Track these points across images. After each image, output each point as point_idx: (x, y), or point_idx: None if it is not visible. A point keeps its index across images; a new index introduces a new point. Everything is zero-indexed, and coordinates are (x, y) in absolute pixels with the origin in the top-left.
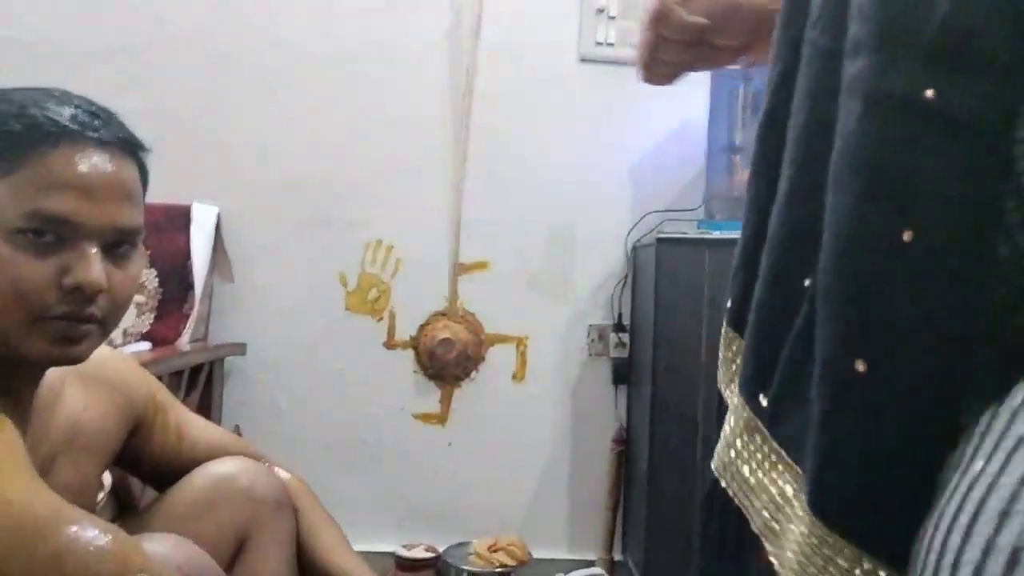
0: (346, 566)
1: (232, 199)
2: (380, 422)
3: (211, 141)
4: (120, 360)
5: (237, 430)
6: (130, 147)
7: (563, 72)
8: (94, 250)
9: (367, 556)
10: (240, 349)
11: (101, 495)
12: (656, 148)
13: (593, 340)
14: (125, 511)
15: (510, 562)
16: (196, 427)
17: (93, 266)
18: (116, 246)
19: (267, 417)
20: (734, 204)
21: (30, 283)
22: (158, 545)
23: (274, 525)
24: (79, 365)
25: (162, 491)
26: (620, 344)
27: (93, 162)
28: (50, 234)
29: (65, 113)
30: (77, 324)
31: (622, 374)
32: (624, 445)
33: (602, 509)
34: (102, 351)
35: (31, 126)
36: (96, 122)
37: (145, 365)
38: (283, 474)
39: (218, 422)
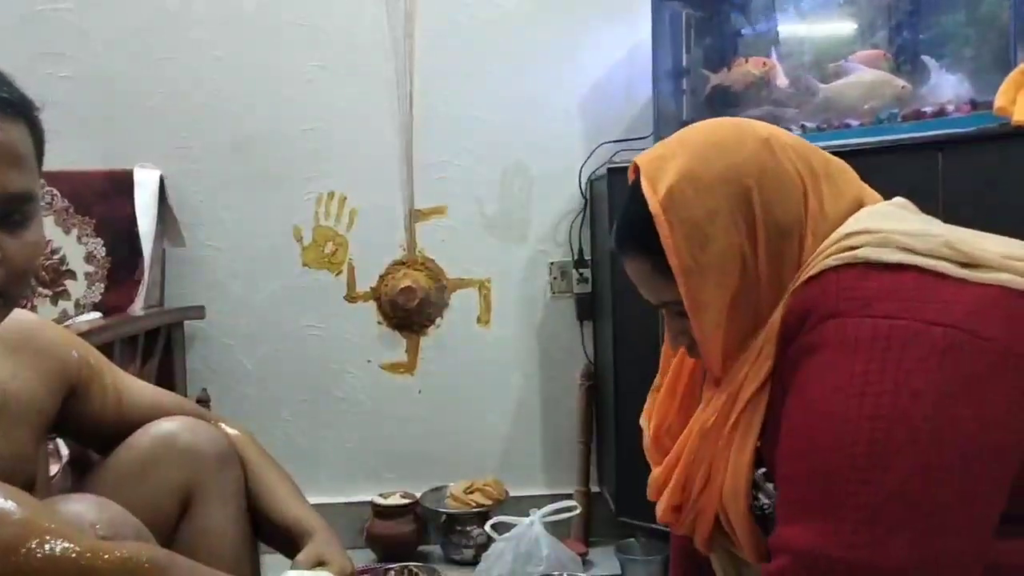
0: (296, 515)
1: (176, 163)
2: (348, 376)
3: (150, 105)
4: (47, 327)
5: (205, 394)
6: (17, 108)
7: (505, 7)
8: None
9: (345, 507)
10: (197, 312)
11: (56, 467)
12: (605, 78)
13: (556, 278)
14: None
15: (486, 501)
16: (135, 389)
17: None
18: (7, 215)
19: (234, 380)
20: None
21: None
22: (73, 505)
23: (219, 481)
24: (3, 335)
25: (106, 456)
26: (583, 280)
27: None
28: None
29: None
30: None
31: (587, 310)
32: (592, 380)
33: (575, 444)
34: (28, 319)
35: None
36: None
37: (96, 333)
38: (229, 430)
39: (182, 388)
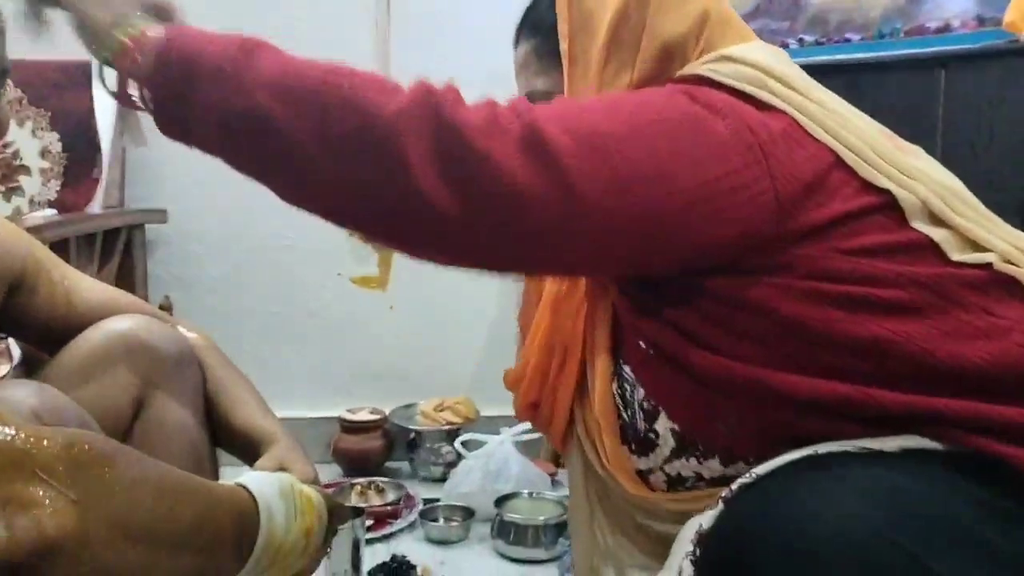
0: (257, 422)
1: None
2: (317, 289)
3: None
4: None
5: (167, 301)
6: None
7: None
8: None
9: (312, 422)
10: (160, 216)
11: (8, 367)
12: None
13: None
14: None
15: (456, 420)
16: (86, 286)
17: None
18: None
19: (198, 288)
20: None
21: None
22: (11, 391)
23: (176, 381)
24: None
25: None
26: None
27: None
28: None
29: None
30: None
31: None
32: None
33: None
34: None
35: None
36: None
37: (49, 229)
38: (188, 333)
39: (143, 294)
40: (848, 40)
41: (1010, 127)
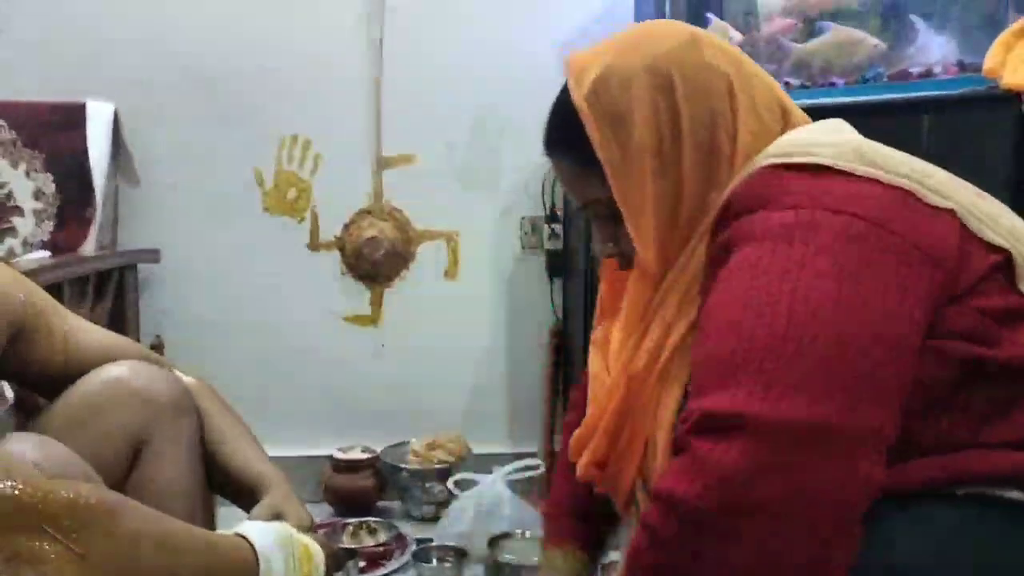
0: (253, 467)
1: (130, 97)
2: (309, 327)
3: (104, 35)
4: None
5: (159, 341)
6: None
7: None
8: None
9: (304, 461)
10: (152, 256)
11: (1, 409)
12: (584, 28)
13: (526, 233)
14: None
15: (448, 458)
16: (84, 332)
17: None
18: None
19: (190, 328)
20: None
21: None
22: (12, 444)
23: (173, 429)
24: None
25: (53, 400)
26: (554, 235)
27: None
28: None
29: None
30: None
31: (557, 267)
32: (559, 338)
33: (540, 402)
34: None
35: None
36: None
37: (43, 272)
38: (185, 378)
39: (135, 334)
40: (833, 84)
41: (992, 172)
